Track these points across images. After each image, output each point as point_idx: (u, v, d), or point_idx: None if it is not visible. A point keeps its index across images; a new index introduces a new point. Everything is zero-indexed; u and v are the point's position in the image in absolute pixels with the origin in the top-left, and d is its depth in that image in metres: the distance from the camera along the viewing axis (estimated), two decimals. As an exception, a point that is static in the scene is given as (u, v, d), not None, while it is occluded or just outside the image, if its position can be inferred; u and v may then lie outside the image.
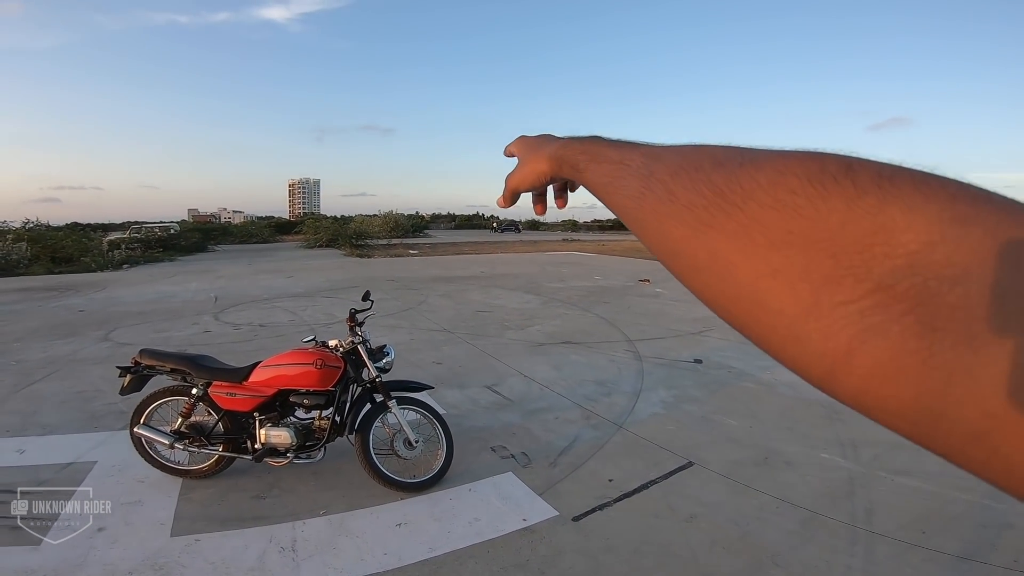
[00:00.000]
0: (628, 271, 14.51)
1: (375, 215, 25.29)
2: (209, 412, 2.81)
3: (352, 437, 2.80)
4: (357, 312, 3.00)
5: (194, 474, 2.89)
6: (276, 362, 2.78)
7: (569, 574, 2.31)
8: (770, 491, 3.01)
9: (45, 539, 2.37)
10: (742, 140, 0.25)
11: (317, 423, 2.78)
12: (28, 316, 7.65)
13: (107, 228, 24.51)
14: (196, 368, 2.78)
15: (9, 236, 14.45)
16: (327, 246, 18.69)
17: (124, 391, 2.86)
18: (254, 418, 2.76)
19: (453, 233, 34.41)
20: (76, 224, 20.67)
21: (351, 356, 2.88)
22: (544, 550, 2.46)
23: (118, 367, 2.91)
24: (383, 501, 2.76)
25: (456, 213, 55.05)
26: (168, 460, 2.89)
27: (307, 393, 2.74)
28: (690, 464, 3.35)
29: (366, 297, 3.25)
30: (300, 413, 2.87)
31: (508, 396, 4.49)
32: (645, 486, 3.08)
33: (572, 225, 52.66)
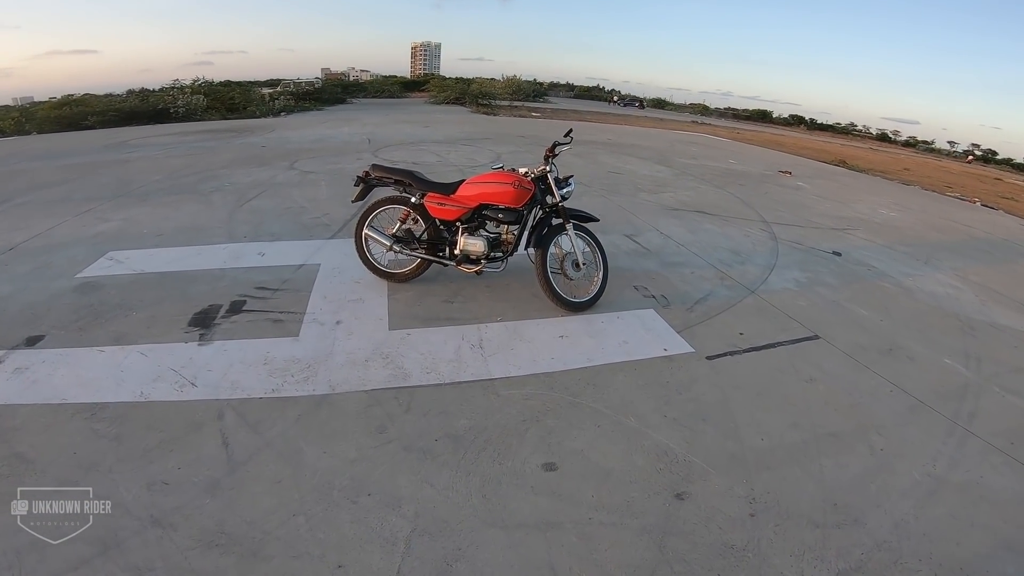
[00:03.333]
0: (766, 160, 13.40)
1: (492, 78, 24.95)
2: (417, 220, 3.39)
3: (532, 252, 3.31)
4: (558, 144, 3.34)
5: (398, 277, 3.51)
6: (480, 180, 3.24)
7: (701, 399, 2.70)
8: (887, 376, 3.15)
9: (300, 334, 2.88)
10: None
11: (505, 237, 3.30)
12: (222, 150, 8.89)
13: (254, 85, 27.04)
14: (415, 180, 3.31)
15: (188, 90, 16.96)
16: (453, 103, 18.97)
17: (356, 199, 3.45)
18: (456, 227, 3.31)
19: (572, 102, 32.78)
20: (230, 81, 23.04)
21: (540, 182, 3.29)
22: (682, 376, 2.87)
23: (357, 176, 3.46)
24: (546, 315, 3.31)
25: (574, 83, 51.52)
26: (379, 263, 3.53)
27: (502, 209, 3.20)
28: (816, 337, 3.54)
29: (568, 133, 3.51)
30: (490, 227, 3.39)
31: (646, 247, 4.85)
32: (772, 345, 3.36)
33: (702, 109, 47.46)
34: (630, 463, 2.20)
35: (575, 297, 3.36)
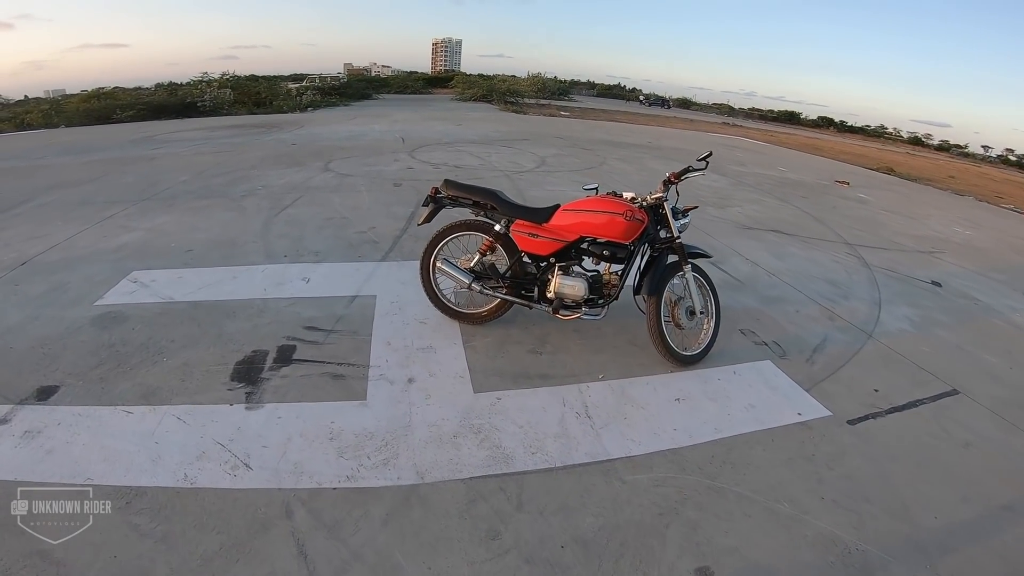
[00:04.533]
0: (815, 167, 12.69)
1: (513, 75, 24.50)
2: (496, 250, 2.80)
3: (642, 298, 2.74)
4: (691, 170, 2.73)
5: (472, 318, 2.91)
6: (581, 207, 2.66)
7: (856, 475, 2.24)
8: None
9: (368, 396, 2.34)
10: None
11: (607, 277, 2.74)
12: (251, 148, 8.43)
13: (279, 79, 26.99)
14: (499, 203, 2.71)
15: (215, 83, 16.81)
16: (479, 100, 18.39)
17: (423, 221, 2.88)
18: (549, 264, 2.74)
19: (596, 100, 31.78)
20: (255, 75, 23.00)
21: (652, 212, 2.72)
22: (827, 448, 2.39)
23: (427, 195, 2.84)
24: (653, 372, 2.75)
25: (595, 81, 50.63)
26: (448, 300, 2.95)
27: (607, 244, 2.64)
28: (955, 392, 3.05)
29: (705, 157, 2.77)
30: (587, 264, 2.81)
31: (736, 277, 4.28)
32: (913, 404, 2.86)
33: (728, 110, 46.33)
34: (796, 559, 1.79)
35: (686, 349, 2.82)
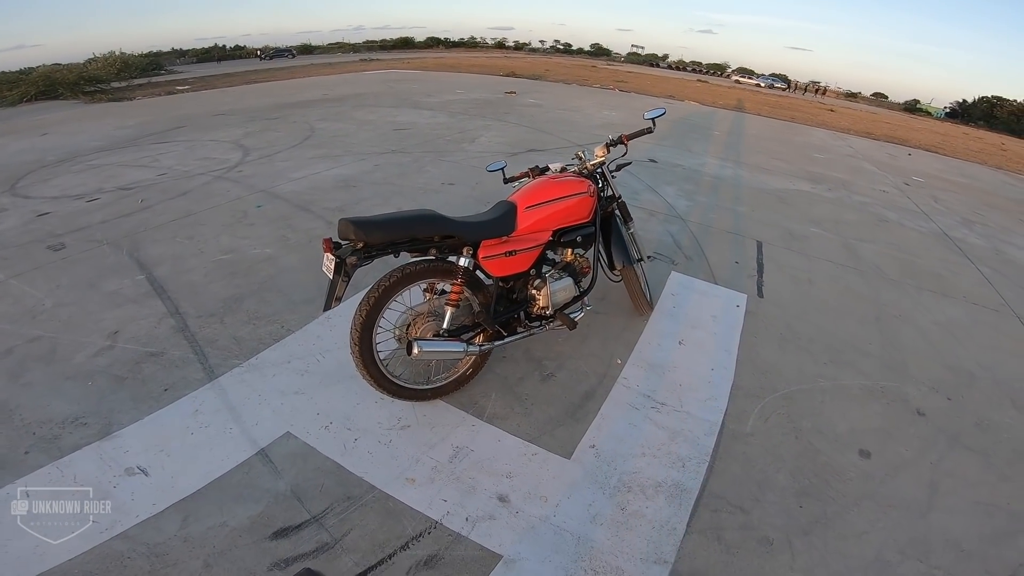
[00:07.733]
0: (479, 85, 13.68)
1: (58, 64, 17.84)
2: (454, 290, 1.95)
3: (616, 272, 2.55)
4: (645, 131, 2.54)
5: (455, 386, 2.11)
6: (543, 196, 2.11)
7: (815, 336, 2.77)
8: (819, 255, 3.85)
9: (506, 553, 1.54)
10: None
11: (578, 263, 2.33)
12: None
13: None
14: (455, 226, 1.86)
15: None
16: (38, 100, 12.74)
17: (335, 300, 1.69)
18: (530, 277, 2.17)
19: (205, 67, 25.81)
20: None
21: (593, 178, 2.44)
22: (779, 326, 2.83)
23: (334, 257, 1.65)
24: (635, 329, 2.67)
25: (185, 48, 41.70)
26: (415, 383, 2.03)
27: (580, 228, 2.25)
28: (761, 243, 3.97)
29: (654, 118, 2.52)
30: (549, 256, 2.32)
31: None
32: (760, 264, 3.61)
33: (351, 48, 45.29)
34: (873, 412, 2.27)
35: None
